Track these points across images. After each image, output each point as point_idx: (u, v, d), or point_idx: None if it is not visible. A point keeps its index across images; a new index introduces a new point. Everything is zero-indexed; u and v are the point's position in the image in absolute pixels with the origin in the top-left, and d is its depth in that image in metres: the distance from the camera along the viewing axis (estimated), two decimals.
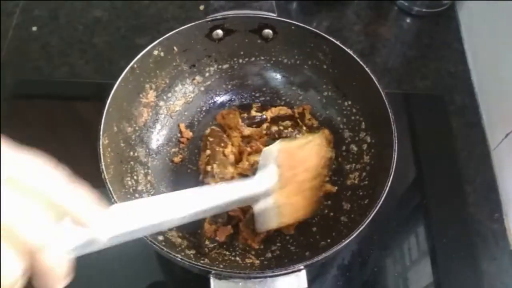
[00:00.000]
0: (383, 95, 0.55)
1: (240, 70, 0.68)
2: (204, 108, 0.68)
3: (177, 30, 0.60)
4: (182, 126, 0.66)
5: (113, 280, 0.60)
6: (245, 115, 0.67)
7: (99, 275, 0.59)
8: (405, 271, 0.61)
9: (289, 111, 0.67)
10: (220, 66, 0.67)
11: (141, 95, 0.61)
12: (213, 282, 0.45)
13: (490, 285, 0.60)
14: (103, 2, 0.84)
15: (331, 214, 0.59)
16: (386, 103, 0.55)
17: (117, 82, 0.56)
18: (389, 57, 0.80)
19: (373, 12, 0.85)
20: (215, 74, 0.68)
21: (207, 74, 0.67)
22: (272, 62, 0.67)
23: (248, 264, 0.55)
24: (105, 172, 0.50)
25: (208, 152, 0.62)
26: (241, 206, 0.53)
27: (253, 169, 0.59)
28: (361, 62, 0.58)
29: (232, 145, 0.64)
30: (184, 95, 0.67)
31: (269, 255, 0.57)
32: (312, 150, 0.53)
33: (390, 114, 0.54)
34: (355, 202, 0.57)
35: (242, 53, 0.67)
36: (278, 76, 0.68)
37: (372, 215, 0.48)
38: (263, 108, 0.68)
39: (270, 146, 0.52)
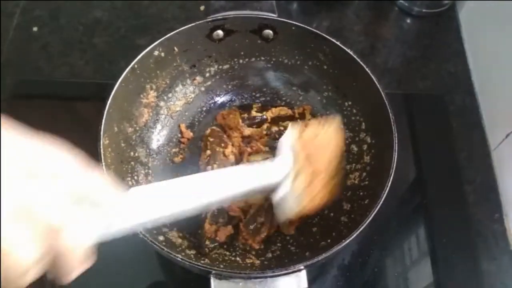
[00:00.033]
0: (383, 96, 0.55)
1: (240, 71, 0.68)
2: (204, 109, 0.68)
3: (177, 30, 0.60)
4: (183, 126, 0.66)
5: (113, 280, 0.60)
6: (246, 115, 0.67)
7: (99, 275, 0.59)
8: (405, 271, 0.61)
9: (289, 112, 0.67)
10: (220, 67, 0.67)
11: (141, 96, 0.61)
12: (213, 282, 0.45)
13: (490, 285, 0.60)
14: (103, 3, 0.84)
15: (331, 214, 0.59)
16: (386, 103, 0.55)
17: (118, 83, 0.56)
18: (389, 57, 0.80)
19: (373, 12, 0.85)
20: (215, 75, 0.68)
21: (207, 75, 0.67)
22: (272, 62, 0.67)
23: (249, 264, 0.55)
24: (105, 172, 0.50)
25: (208, 152, 0.62)
26: (263, 195, 0.52)
27: None
28: (361, 63, 0.58)
29: (233, 145, 0.64)
30: (184, 96, 0.67)
31: (269, 255, 0.57)
32: (328, 137, 0.52)
33: (390, 115, 0.54)
34: (355, 202, 0.57)
35: (242, 53, 0.67)
36: (279, 76, 0.68)
37: (373, 215, 0.48)
38: (263, 108, 0.68)
39: (286, 133, 0.51)
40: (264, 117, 0.67)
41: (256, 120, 0.67)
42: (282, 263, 0.54)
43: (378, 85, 0.56)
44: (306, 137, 0.51)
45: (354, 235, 0.47)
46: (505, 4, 0.68)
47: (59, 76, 0.76)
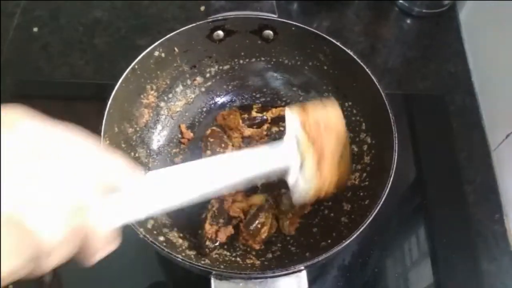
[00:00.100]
0: (384, 96, 0.55)
1: (240, 71, 0.68)
2: (204, 109, 0.68)
3: (178, 31, 0.60)
4: (183, 126, 0.66)
5: (113, 280, 0.60)
6: (246, 116, 0.67)
7: (99, 275, 0.59)
8: (405, 271, 0.61)
9: None
10: (220, 67, 0.67)
11: (142, 96, 0.61)
12: (213, 282, 0.45)
13: (490, 286, 0.60)
14: (104, 3, 0.84)
15: (332, 214, 0.59)
16: (387, 103, 0.55)
17: (118, 83, 0.56)
18: (389, 57, 0.80)
19: (373, 12, 0.85)
20: (215, 75, 0.68)
21: (207, 75, 0.68)
22: (272, 63, 0.67)
23: (249, 265, 0.55)
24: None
25: (208, 152, 0.62)
26: (275, 177, 0.50)
27: None
28: (361, 63, 0.57)
29: (233, 145, 0.64)
30: (184, 96, 0.67)
31: (269, 255, 0.57)
32: (330, 120, 0.50)
33: (391, 115, 0.54)
34: (356, 202, 0.57)
35: (242, 54, 0.67)
36: (279, 77, 0.68)
37: (373, 215, 0.48)
38: (263, 109, 0.68)
39: (287, 119, 0.50)
40: (265, 117, 0.67)
41: (256, 121, 0.67)
42: (283, 263, 0.54)
43: (378, 86, 0.56)
44: (308, 121, 0.49)
45: (355, 236, 0.47)
46: (505, 4, 0.68)
47: (59, 76, 0.76)
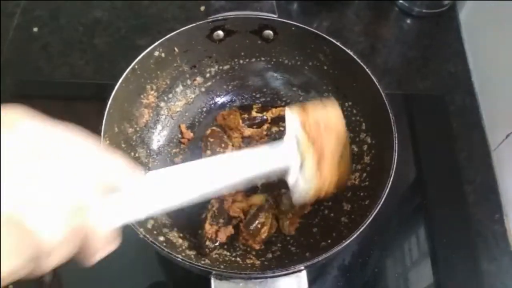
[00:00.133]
0: (384, 96, 0.55)
1: (240, 71, 0.68)
2: (204, 109, 0.68)
3: (178, 31, 0.60)
4: (183, 126, 0.66)
5: (113, 280, 0.60)
6: (246, 116, 0.67)
7: (99, 275, 0.59)
8: (405, 271, 0.61)
9: None
10: (220, 67, 0.67)
11: (142, 96, 0.61)
12: (213, 282, 0.45)
13: (490, 286, 0.60)
14: (104, 3, 0.84)
15: (332, 214, 0.59)
16: (387, 103, 0.55)
17: (118, 83, 0.56)
18: (389, 57, 0.80)
19: (373, 12, 0.85)
20: (215, 75, 0.68)
21: (207, 75, 0.68)
22: (272, 63, 0.67)
23: (249, 265, 0.55)
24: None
25: (208, 152, 0.62)
26: (275, 177, 0.51)
27: None
28: (361, 63, 0.57)
29: (233, 145, 0.64)
30: (184, 96, 0.67)
31: (269, 255, 0.57)
32: (330, 120, 0.50)
33: (391, 115, 0.54)
34: (356, 202, 0.57)
35: (242, 54, 0.67)
36: (279, 77, 0.68)
37: (373, 216, 0.48)
38: (263, 109, 0.68)
39: (287, 118, 0.50)
40: (265, 117, 0.67)
41: (256, 121, 0.67)
42: (283, 263, 0.54)
43: (378, 86, 0.56)
44: (308, 121, 0.49)
45: (355, 236, 0.47)
46: (505, 4, 0.68)
47: (59, 76, 0.76)
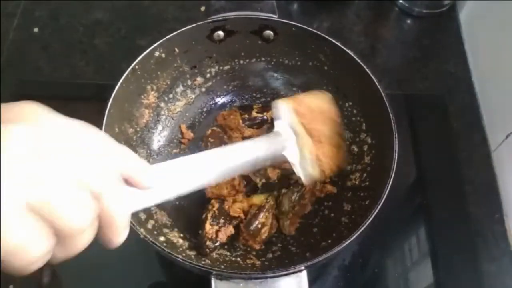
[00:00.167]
0: (384, 96, 0.55)
1: (241, 71, 0.68)
2: (205, 109, 0.68)
3: (178, 31, 0.60)
4: (183, 127, 0.66)
5: (114, 280, 0.60)
6: (246, 116, 0.67)
7: (100, 275, 0.59)
8: (405, 271, 0.61)
9: None
10: (221, 67, 0.67)
11: (142, 96, 0.61)
12: (214, 282, 0.45)
13: (490, 286, 0.60)
14: (104, 3, 0.84)
15: (332, 215, 0.59)
16: (387, 104, 0.55)
17: (119, 83, 0.56)
18: (389, 58, 0.80)
19: (373, 13, 0.85)
20: (216, 75, 0.68)
21: (208, 75, 0.68)
22: (273, 63, 0.68)
23: (249, 265, 0.55)
24: None
25: None
26: (275, 161, 0.53)
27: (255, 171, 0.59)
28: (361, 63, 0.58)
29: None
30: (185, 96, 0.67)
31: (270, 255, 0.57)
32: (327, 103, 0.54)
33: (391, 115, 0.54)
34: (356, 203, 0.57)
35: (243, 54, 0.67)
36: (279, 77, 0.68)
37: (373, 216, 0.48)
38: (264, 109, 0.68)
39: (281, 100, 0.53)
40: (265, 117, 0.67)
41: (257, 121, 0.67)
42: (283, 263, 0.54)
43: (378, 86, 0.56)
44: (303, 104, 0.52)
45: (355, 236, 0.47)
46: (505, 4, 0.68)
47: (60, 77, 0.76)
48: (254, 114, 0.67)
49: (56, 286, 0.60)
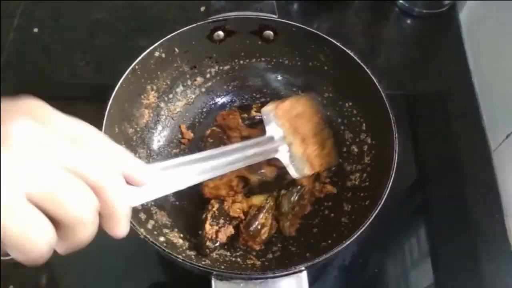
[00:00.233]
0: (384, 96, 0.55)
1: (241, 72, 0.68)
2: (205, 109, 0.68)
3: (178, 31, 0.60)
4: (183, 127, 0.66)
5: (114, 280, 0.60)
6: (245, 115, 0.67)
7: (100, 275, 0.59)
8: (405, 272, 0.61)
9: None
10: (221, 67, 0.68)
11: (142, 96, 0.61)
12: (214, 283, 0.45)
13: (490, 286, 0.60)
14: (104, 3, 0.84)
15: (332, 215, 0.59)
16: (387, 104, 0.55)
17: (119, 83, 0.56)
18: (389, 58, 0.80)
19: (373, 13, 0.85)
20: (216, 75, 0.68)
21: (208, 75, 0.68)
22: (273, 63, 0.68)
23: (249, 265, 0.55)
24: None
25: None
26: (266, 158, 0.55)
27: (252, 170, 0.59)
28: (361, 64, 0.58)
29: None
30: (185, 96, 0.67)
31: (270, 256, 0.57)
32: (305, 105, 0.60)
33: (391, 115, 0.54)
34: (356, 203, 0.57)
35: (243, 54, 0.67)
36: (279, 77, 0.69)
37: (373, 216, 0.48)
38: None
39: (266, 107, 0.58)
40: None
41: (256, 120, 0.67)
42: (283, 264, 0.54)
43: (378, 86, 0.56)
44: (283, 109, 0.58)
45: (355, 236, 0.47)
46: (505, 4, 0.68)
47: (60, 77, 0.76)
48: (253, 113, 0.67)
49: (56, 286, 0.60)
